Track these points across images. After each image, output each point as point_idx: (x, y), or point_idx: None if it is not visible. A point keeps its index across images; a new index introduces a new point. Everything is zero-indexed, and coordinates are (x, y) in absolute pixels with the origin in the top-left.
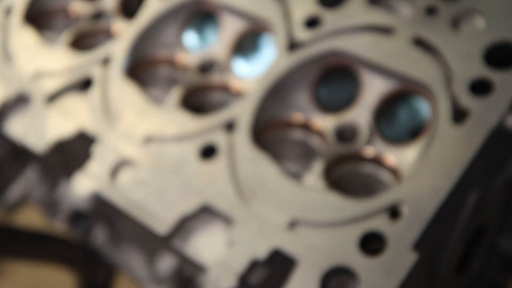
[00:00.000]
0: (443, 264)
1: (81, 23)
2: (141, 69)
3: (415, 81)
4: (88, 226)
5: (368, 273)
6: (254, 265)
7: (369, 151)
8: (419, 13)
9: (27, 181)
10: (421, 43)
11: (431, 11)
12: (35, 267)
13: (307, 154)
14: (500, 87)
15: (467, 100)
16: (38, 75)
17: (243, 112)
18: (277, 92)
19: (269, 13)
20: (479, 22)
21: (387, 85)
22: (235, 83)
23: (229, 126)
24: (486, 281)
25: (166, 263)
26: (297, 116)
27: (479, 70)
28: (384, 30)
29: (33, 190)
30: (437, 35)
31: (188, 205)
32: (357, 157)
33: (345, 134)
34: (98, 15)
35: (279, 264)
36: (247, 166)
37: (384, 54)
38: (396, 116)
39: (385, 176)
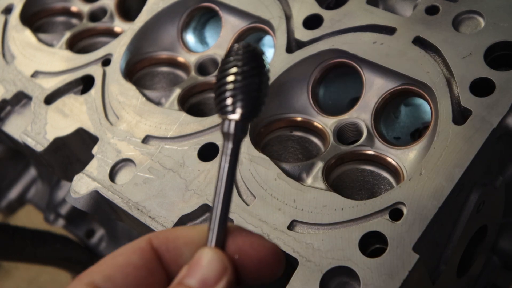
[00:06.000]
0: (443, 264)
1: (80, 24)
2: (140, 69)
3: (415, 81)
4: (87, 226)
5: (368, 274)
6: None
7: (369, 151)
8: (419, 13)
9: (26, 181)
10: (421, 43)
11: (431, 11)
12: (35, 266)
13: (308, 154)
14: (500, 87)
15: (467, 100)
16: (38, 75)
17: None
18: (277, 92)
19: (269, 13)
20: (479, 22)
21: (387, 85)
22: None
23: None
24: (486, 281)
25: None
26: (297, 116)
27: (480, 70)
28: (384, 30)
29: (32, 190)
30: (437, 35)
31: (188, 205)
32: (357, 157)
33: (345, 134)
34: (97, 16)
35: None
36: (247, 166)
37: (384, 54)
38: (396, 117)
39: (385, 176)
